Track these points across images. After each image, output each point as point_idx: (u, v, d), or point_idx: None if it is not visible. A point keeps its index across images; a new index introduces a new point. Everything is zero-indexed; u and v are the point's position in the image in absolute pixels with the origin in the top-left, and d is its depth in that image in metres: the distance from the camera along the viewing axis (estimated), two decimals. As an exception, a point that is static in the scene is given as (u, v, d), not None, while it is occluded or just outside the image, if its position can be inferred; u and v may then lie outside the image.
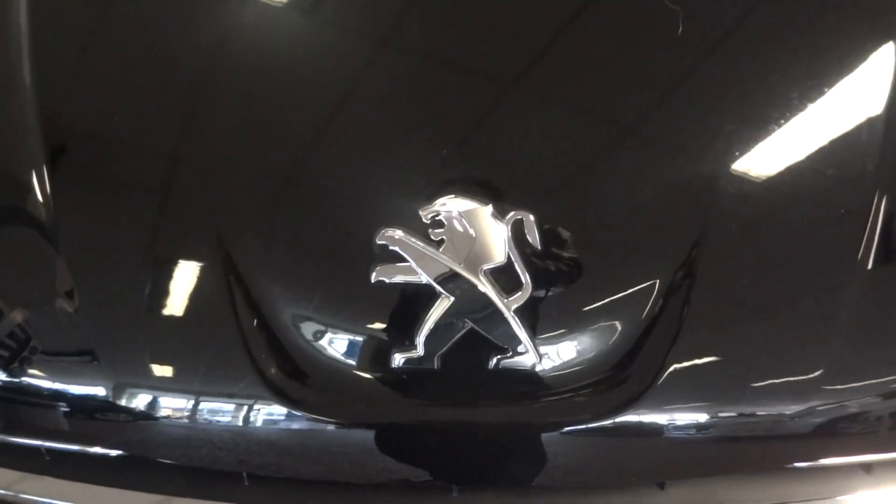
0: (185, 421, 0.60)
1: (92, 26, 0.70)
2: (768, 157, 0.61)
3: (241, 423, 0.60)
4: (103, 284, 0.61)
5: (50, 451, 0.63)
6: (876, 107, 0.62)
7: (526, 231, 0.57)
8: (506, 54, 0.64)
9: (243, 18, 0.68)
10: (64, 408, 0.62)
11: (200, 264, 0.60)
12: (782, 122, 0.62)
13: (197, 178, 0.63)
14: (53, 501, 0.64)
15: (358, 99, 0.64)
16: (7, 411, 0.64)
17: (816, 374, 0.59)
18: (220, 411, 0.60)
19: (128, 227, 0.63)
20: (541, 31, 0.64)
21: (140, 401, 0.61)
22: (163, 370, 0.60)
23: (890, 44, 0.64)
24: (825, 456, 0.61)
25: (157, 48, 0.67)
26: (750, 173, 0.61)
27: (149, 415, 0.61)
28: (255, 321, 0.58)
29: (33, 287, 0.62)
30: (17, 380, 0.62)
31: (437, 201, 0.57)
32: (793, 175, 0.61)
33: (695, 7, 0.63)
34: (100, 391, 0.61)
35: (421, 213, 0.57)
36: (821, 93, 0.62)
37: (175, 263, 0.61)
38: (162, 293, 0.61)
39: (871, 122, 0.62)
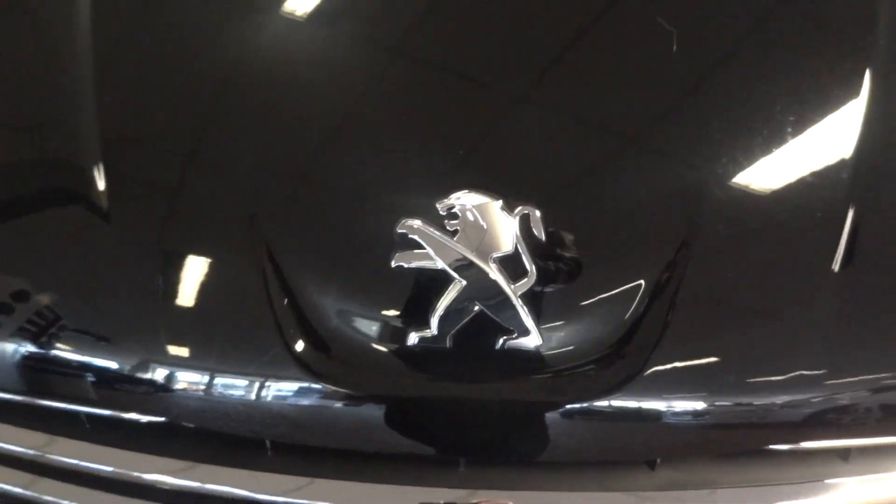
0: (216, 392, 0.65)
1: (144, 33, 0.78)
2: (753, 164, 0.67)
3: (268, 395, 0.65)
4: (148, 263, 0.67)
5: (89, 416, 0.68)
6: (851, 122, 0.68)
7: (532, 224, 0.62)
8: (517, 67, 0.70)
9: (275, 30, 0.75)
10: (106, 377, 0.67)
11: (238, 247, 0.66)
12: (766, 133, 0.68)
13: (236, 168, 0.69)
14: (80, 462, 0.69)
15: (383, 102, 0.70)
16: (46, 378, 0.69)
17: (801, 362, 0.64)
18: (249, 383, 0.65)
19: (172, 210, 0.69)
20: (550, 46, 0.71)
21: (174, 371, 0.66)
22: (198, 345, 0.66)
23: (864, 67, 0.70)
24: (805, 440, 0.66)
25: (201, 51, 0.75)
26: (736, 178, 0.67)
27: (182, 385, 0.65)
28: (286, 300, 0.64)
29: (84, 263, 0.68)
30: (57, 352, 0.67)
31: (452, 195, 0.63)
32: (775, 182, 0.67)
33: (689, 29, 0.70)
34: (138, 363, 0.66)
35: (437, 205, 0.62)
36: (802, 108, 0.69)
37: (215, 245, 0.67)
38: (202, 273, 0.67)
39: (846, 135, 0.68)
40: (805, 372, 0.64)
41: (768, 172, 0.67)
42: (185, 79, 0.74)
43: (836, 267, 0.64)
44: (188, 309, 0.67)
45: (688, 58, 0.70)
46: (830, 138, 0.68)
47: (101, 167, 0.70)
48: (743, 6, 0.74)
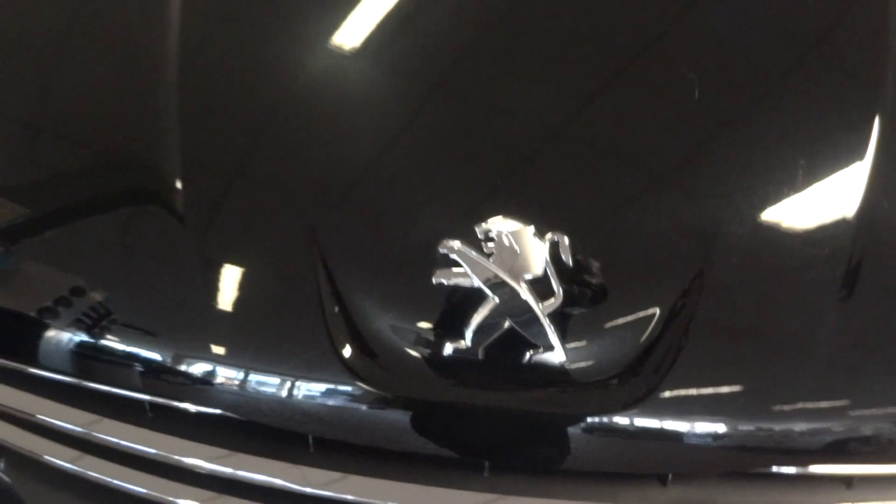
0: (264, 389, 0.71)
1: (225, 58, 0.86)
2: (765, 202, 0.73)
3: (313, 394, 0.70)
4: (215, 264, 0.74)
5: (143, 402, 0.74)
6: (859, 165, 0.74)
7: (561, 250, 0.68)
8: (552, 105, 0.78)
9: (336, 62, 0.84)
10: (164, 369, 0.73)
11: (296, 256, 0.73)
12: (778, 173, 0.73)
13: (299, 184, 0.77)
14: (123, 442, 0.75)
15: (431, 133, 0.78)
16: (114, 367, 0.75)
17: (808, 389, 0.68)
18: (296, 382, 0.70)
19: (241, 218, 0.76)
20: (583, 86, 0.79)
21: (228, 368, 0.72)
22: (253, 344, 0.72)
23: (874, 114, 0.76)
24: (811, 465, 0.70)
25: (272, 78, 0.84)
26: (749, 215, 0.72)
27: (233, 380, 0.71)
28: (337, 308, 0.71)
29: (157, 262, 0.76)
30: (120, 343, 0.74)
31: (489, 220, 0.68)
32: (785, 218, 0.72)
33: (710, 78, 0.77)
34: (195, 357, 0.72)
35: (476, 229, 0.68)
36: (813, 151, 0.75)
37: (276, 253, 0.74)
38: (263, 277, 0.74)
39: (854, 177, 0.73)
40: (811, 399, 0.68)
41: (780, 210, 0.73)
42: (257, 102, 0.82)
43: (841, 299, 0.69)
44: (246, 309, 0.73)
45: (708, 103, 0.77)
46: (839, 179, 0.74)
47: (181, 175, 0.77)
48: (760, 58, 0.81)
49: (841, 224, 0.72)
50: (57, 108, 0.89)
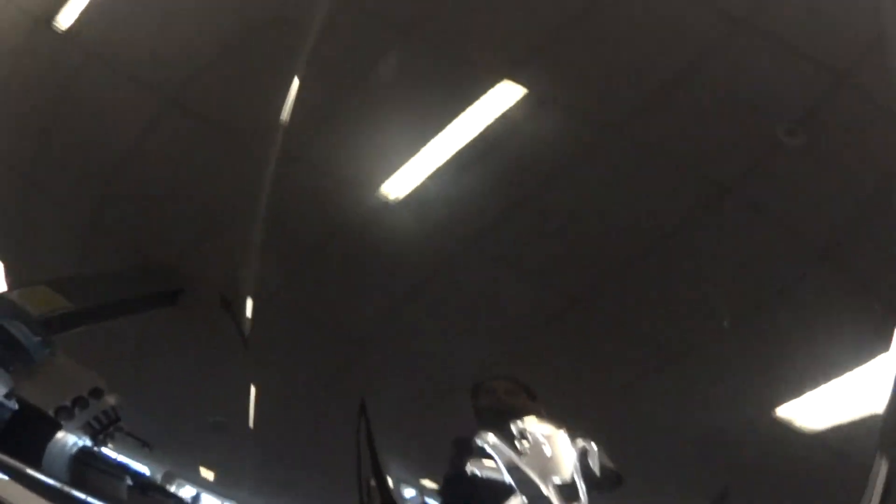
0: None
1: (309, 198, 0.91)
2: (789, 414, 0.77)
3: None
4: (266, 406, 0.78)
5: None
6: (883, 374, 0.78)
7: (589, 457, 0.72)
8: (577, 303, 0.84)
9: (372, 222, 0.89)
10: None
11: (342, 423, 0.77)
12: (802, 386, 0.77)
13: (357, 348, 0.83)
14: None
15: (484, 315, 0.84)
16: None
17: None
18: None
19: (291, 373, 0.82)
20: (609, 276, 0.85)
21: None
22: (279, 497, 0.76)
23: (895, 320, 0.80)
24: None
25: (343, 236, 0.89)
26: (776, 431, 0.76)
27: None
28: (372, 481, 0.76)
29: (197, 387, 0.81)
30: (126, 458, 0.77)
31: (525, 418, 0.73)
32: (810, 429, 0.76)
33: (734, 299, 0.83)
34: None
35: (511, 426, 0.73)
36: (835, 366, 0.79)
37: (324, 412, 0.79)
38: (304, 435, 0.79)
39: (878, 387, 0.77)
40: None
41: (804, 421, 0.76)
42: (329, 256, 0.88)
43: None
44: (283, 461, 0.78)
45: (734, 330, 0.81)
46: (863, 390, 0.78)
47: (252, 303, 0.81)
48: (778, 273, 0.86)
49: (867, 435, 0.75)
50: (136, 218, 0.92)
